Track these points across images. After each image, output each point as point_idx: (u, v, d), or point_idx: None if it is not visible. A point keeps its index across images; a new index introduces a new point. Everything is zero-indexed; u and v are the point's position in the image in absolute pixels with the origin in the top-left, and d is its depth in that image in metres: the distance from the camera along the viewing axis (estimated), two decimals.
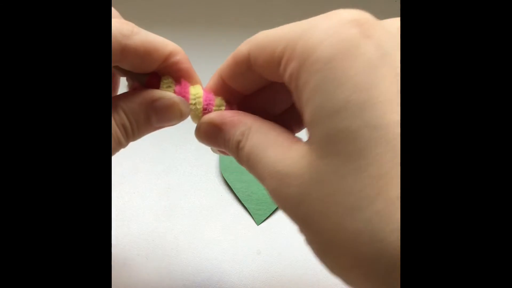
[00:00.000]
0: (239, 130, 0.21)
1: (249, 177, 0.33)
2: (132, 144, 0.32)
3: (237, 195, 0.33)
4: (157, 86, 0.24)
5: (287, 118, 0.24)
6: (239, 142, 0.21)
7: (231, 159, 0.35)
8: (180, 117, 0.24)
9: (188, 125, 0.24)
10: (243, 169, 0.35)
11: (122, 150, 0.24)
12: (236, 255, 0.30)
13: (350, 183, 0.16)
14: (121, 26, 0.22)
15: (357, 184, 0.16)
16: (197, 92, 0.24)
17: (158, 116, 0.23)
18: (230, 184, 0.34)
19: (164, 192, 0.34)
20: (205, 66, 0.40)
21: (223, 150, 0.23)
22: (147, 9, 0.52)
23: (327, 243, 0.17)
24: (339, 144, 0.16)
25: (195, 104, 0.24)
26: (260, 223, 0.32)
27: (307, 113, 0.17)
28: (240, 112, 0.22)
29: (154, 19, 0.51)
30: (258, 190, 0.33)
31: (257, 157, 0.20)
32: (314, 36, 0.17)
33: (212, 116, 0.23)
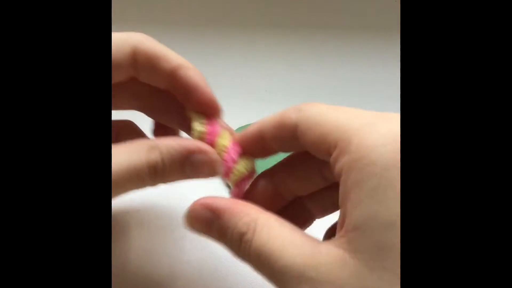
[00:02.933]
0: (242, 220, 0.20)
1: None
2: None
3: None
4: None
5: (310, 202, 0.24)
6: (243, 234, 0.20)
7: None
8: (213, 176, 0.23)
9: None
10: None
11: None
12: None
13: None
14: (137, 34, 0.24)
15: None
16: (224, 144, 0.24)
17: (193, 168, 0.23)
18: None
19: (164, 193, 0.34)
20: (205, 66, 0.40)
21: (215, 239, 0.21)
22: (147, 9, 0.52)
23: None
24: (391, 259, 0.15)
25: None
26: None
27: (355, 216, 0.16)
28: (240, 201, 0.21)
29: (154, 19, 0.51)
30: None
31: (272, 257, 0.18)
32: (373, 136, 0.17)
33: (209, 200, 0.21)
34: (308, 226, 0.25)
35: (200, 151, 0.23)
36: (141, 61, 0.24)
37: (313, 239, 0.18)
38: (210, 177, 0.24)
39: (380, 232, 0.16)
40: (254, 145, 0.24)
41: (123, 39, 0.24)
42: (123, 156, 0.21)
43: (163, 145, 0.22)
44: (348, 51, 0.51)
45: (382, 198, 0.16)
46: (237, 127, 0.38)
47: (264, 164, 0.26)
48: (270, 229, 0.19)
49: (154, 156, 0.22)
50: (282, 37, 0.49)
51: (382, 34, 0.52)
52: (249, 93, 0.42)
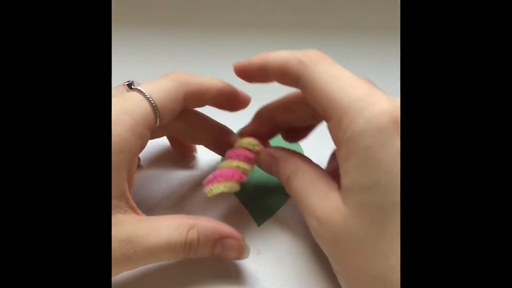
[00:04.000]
0: (289, 167, 0.27)
1: (250, 181, 0.33)
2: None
3: (239, 198, 0.33)
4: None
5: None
6: (288, 177, 0.27)
7: None
8: (238, 259, 0.29)
9: None
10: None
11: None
12: None
13: (372, 241, 0.21)
14: (179, 76, 0.28)
15: (377, 243, 0.21)
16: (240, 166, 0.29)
17: (223, 249, 0.27)
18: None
19: (166, 193, 0.34)
20: (205, 66, 0.40)
21: (273, 175, 0.29)
22: (147, 9, 0.52)
23: (350, 278, 0.23)
24: (367, 211, 0.21)
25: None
26: (261, 225, 0.32)
27: (345, 180, 0.23)
28: (292, 151, 0.29)
29: (154, 19, 0.51)
30: (259, 195, 0.33)
31: (301, 197, 0.26)
32: (358, 123, 0.22)
33: (271, 150, 0.30)
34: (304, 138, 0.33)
35: (232, 236, 0.27)
36: (189, 98, 0.28)
37: (330, 186, 0.25)
38: (237, 259, 0.29)
39: (359, 193, 0.22)
40: (257, 73, 0.28)
41: (174, 89, 0.27)
42: (166, 232, 0.25)
43: (201, 227, 0.26)
44: (348, 51, 0.50)
45: (363, 169, 0.21)
46: (237, 130, 0.38)
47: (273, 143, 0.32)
48: (305, 175, 0.26)
49: (192, 236, 0.26)
50: (282, 37, 0.49)
51: (382, 34, 0.52)
52: (249, 93, 0.42)
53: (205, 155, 0.37)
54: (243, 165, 0.29)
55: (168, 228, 0.25)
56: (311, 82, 0.24)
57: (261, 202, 0.33)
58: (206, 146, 0.34)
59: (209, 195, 0.28)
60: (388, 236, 0.20)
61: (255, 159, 0.30)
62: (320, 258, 0.30)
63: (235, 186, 0.29)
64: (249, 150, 0.30)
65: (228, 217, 0.32)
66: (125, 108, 0.25)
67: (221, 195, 0.33)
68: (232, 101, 0.31)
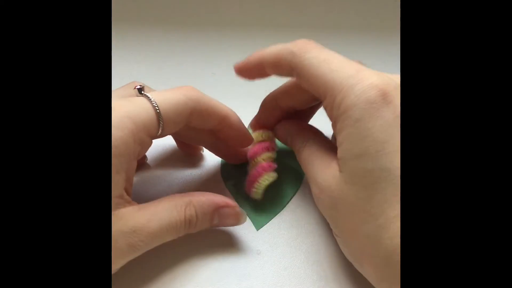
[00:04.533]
0: (302, 138, 0.30)
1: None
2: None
3: (238, 201, 0.33)
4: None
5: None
6: (299, 148, 0.30)
7: (232, 166, 0.35)
8: (236, 225, 0.30)
9: None
10: (243, 176, 0.35)
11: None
12: (236, 255, 0.30)
13: (363, 204, 0.23)
14: (191, 91, 0.28)
15: (368, 206, 0.23)
16: (259, 160, 0.32)
17: (220, 219, 0.29)
18: (230, 191, 0.34)
19: (172, 193, 0.34)
20: (205, 66, 0.40)
21: (287, 145, 0.33)
22: (147, 9, 0.52)
23: (347, 240, 0.26)
24: (359, 177, 0.23)
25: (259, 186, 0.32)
26: (260, 229, 0.32)
27: (340, 150, 0.25)
28: (306, 125, 0.33)
29: (154, 19, 0.51)
30: (258, 200, 0.33)
31: (308, 165, 0.29)
32: (350, 98, 0.23)
33: (286, 125, 0.33)
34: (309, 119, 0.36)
35: (227, 205, 0.29)
36: (195, 116, 0.28)
37: (332, 157, 0.27)
38: (234, 225, 0.30)
39: (351, 161, 0.24)
40: (255, 70, 0.30)
41: (183, 103, 0.27)
42: (165, 214, 0.26)
43: (196, 202, 0.27)
44: (348, 51, 0.50)
45: (354, 140, 0.23)
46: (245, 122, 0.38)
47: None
48: (313, 146, 0.29)
49: (190, 212, 0.27)
50: (282, 37, 0.49)
51: (382, 34, 0.52)
52: (249, 93, 0.42)
53: (212, 154, 0.37)
54: (267, 155, 0.32)
55: (166, 210, 0.26)
56: (303, 69, 0.26)
57: (259, 208, 0.33)
58: (207, 148, 0.35)
59: (259, 196, 0.32)
60: (377, 199, 0.22)
61: (273, 145, 0.33)
62: (320, 258, 0.30)
63: (272, 175, 0.32)
64: (264, 141, 0.33)
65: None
66: (129, 113, 0.25)
67: None
68: (235, 134, 0.31)
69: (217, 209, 0.28)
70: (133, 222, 0.25)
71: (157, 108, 0.26)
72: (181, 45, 0.48)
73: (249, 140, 0.33)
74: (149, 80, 0.29)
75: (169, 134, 0.29)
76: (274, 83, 0.43)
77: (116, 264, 0.25)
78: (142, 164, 0.36)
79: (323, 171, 0.26)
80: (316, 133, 0.31)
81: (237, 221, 0.29)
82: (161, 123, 0.26)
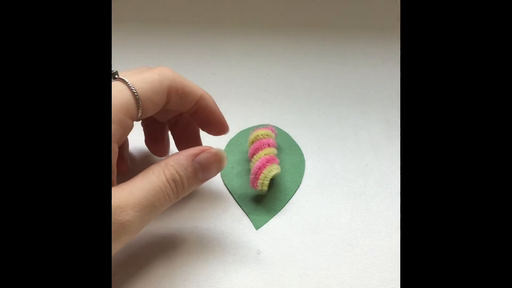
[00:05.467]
0: None
1: (249, 183, 0.33)
2: (137, 144, 0.32)
3: (237, 200, 0.33)
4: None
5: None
6: None
7: (232, 165, 0.35)
8: (220, 168, 0.29)
9: None
10: (243, 175, 0.35)
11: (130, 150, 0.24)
12: (236, 255, 0.30)
13: None
14: (166, 70, 0.28)
15: None
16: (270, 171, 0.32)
17: (203, 167, 0.27)
18: (230, 190, 0.34)
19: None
20: (205, 66, 0.40)
21: None
22: (147, 9, 0.52)
23: None
24: None
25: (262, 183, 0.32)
26: (259, 228, 0.32)
27: None
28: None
29: (154, 19, 0.51)
30: (257, 197, 0.33)
31: None
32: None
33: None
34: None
35: (203, 150, 0.27)
36: (173, 95, 0.28)
37: None
38: (219, 170, 0.28)
39: None
40: None
41: (158, 81, 0.27)
42: (145, 182, 0.25)
43: (172, 161, 0.26)
44: (348, 51, 0.50)
45: None
46: (238, 131, 0.38)
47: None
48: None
49: (170, 171, 0.26)
50: (282, 37, 0.49)
51: (382, 34, 0.52)
52: (249, 93, 0.42)
53: None
54: (269, 150, 0.33)
55: (145, 178, 0.26)
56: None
57: (259, 207, 0.33)
58: (175, 139, 0.35)
59: (264, 188, 0.32)
60: None
61: (274, 142, 0.34)
62: (320, 258, 0.30)
63: (276, 167, 0.32)
64: (264, 138, 0.34)
65: (227, 218, 0.32)
66: None
67: (220, 198, 0.34)
68: (211, 118, 0.31)
69: (194, 159, 0.27)
70: (115, 201, 0.24)
71: (133, 88, 0.26)
72: (181, 45, 0.48)
73: (225, 127, 0.32)
74: None
75: (150, 115, 0.28)
76: (274, 83, 0.43)
77: (113, 248, 0.24)
78: (125, 171, 0.35)
79: None
80: None
81: (219, 163, 0.28)
82: (140, 103, 0.26)
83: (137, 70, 0.28)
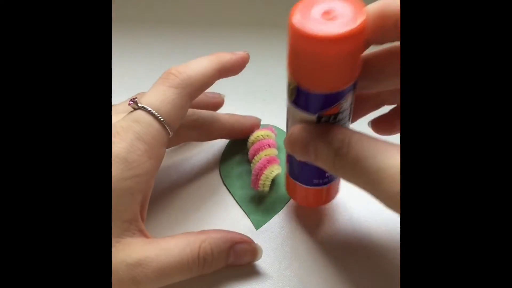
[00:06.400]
0: (336, 137, 0.22)
1: (249, 183, 0.33)
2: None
3: (237, 201, 0.33)
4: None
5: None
6: (338, 149, 0.22)
7: (232, 166, 0.35)
8: (252, 262, 0.29)
9: None
10: (243, 176, 0.35)
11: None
12: None
13: None
14: (173, 79, 0.28)
15: None
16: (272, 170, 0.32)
17: (236, 256, 0.27)
18: (230, 190, 0.34)
19: (167, 195, 0.34)
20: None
21: (307, 158, 0.24)
22: (147, 9, 0.52)
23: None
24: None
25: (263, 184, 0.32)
26: (259, 228, 0.32)
27: None
28: (333, 126, 0.24)
29: (154, 19, 0.51)
30: (257, 197, 0.33)
31: (368, 161, 0.21)
32: None
33: (304, 125, 0.24)
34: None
35: (243, 241, 0.28)
36: (194, 97, 0.29)
37: (394, 145, 0.21)
38: (251, 262, 0.29)
39: None
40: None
41: (181, 98, 0.27)
42: (177, 250, 0.25)
43: (212, 239, 0.26)
44: None
45: None
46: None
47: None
48: (364, 141, 0.22)
49: (205, 250, 0.25)
50: (282, 37, 0.49)
51: None
52: (249, 93, 0.42)
53: (208, 154, 0.37)
54: (269, 151, 0.33)
55: (179, 246, 0.25)
56: None
57: (259, 208, 0.33)
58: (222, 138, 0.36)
59: (265, 189, 0.32)
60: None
61: (274, 143, 0.34)
62: (320, 258, 0.30)
63: (277, 167, 0.32)
64: (264, 139, 0.33)
65: (227, 218, 0.32)
66: (139, 134, 0.25)
67: (221, 199, 0.34)
68: (233, 68, 0.30)
69: (232, 246, 0.27)
70: (140, 254, 0.23)
71: (160, 117, 0.26)
72: (181, 45, 0.48)
73: (246, 58, 0.31)
74: (149, 80, 0.29)
75: (180, 134, 0.29)
76: (274, 83, 0.43)
77: None
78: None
79: (396, 161, 0.20)
80: (353, 131, 0.23)
81: (254, 257, 0.28)
82: (168, 128, 0.26)
83: (154, 89, 0.27)
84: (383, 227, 0.32)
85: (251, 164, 0.33)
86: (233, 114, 0.35)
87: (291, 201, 0.33)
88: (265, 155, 0.32)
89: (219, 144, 0.37)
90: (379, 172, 0.20)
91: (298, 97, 0.23)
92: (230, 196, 0.34)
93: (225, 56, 0.30)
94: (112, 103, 0.31)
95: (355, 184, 0.23)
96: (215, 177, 0.35)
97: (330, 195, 0.30)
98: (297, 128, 0.24)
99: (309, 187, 0.28)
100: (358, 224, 0.32)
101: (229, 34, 0.49)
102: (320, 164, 0.24)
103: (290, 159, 0.28)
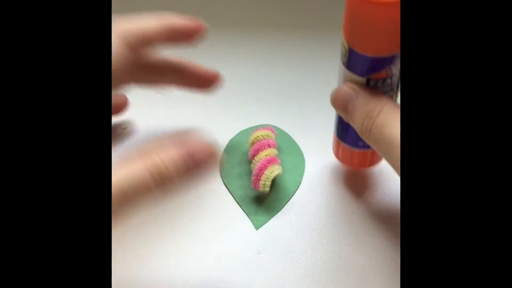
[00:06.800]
0: (373, 101, 0.24)
1: (249, 183, 0.33)
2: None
3: (237, 201, 0.33)
4: None
5: None
6: (370, 111, 0.24)
7: (232, 166, 0.35)
8: (214, 160, 0.25)
9: None
10: (243, 176, 0.35)
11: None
12: (236, 255, 0.30)
13: None
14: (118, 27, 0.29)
15: None
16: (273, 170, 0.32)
17: (193, 157, 0.24)
18: (230, 190, 0.34)
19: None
20: (205, 66, 0.39)
21: (345, 114, 0.26)
22: (147, 9, 0.52)
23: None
24: None
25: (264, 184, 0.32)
26: (259, 228, 0.32)
27: None
28: (376, 91, 0.25)
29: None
30: (257, 197, 0.33)
31: (390, 132, 0.22)
32: None
33: (352, 85, 0.26)
34: None
35: (198, 149, 0.24)
36: (136, 47, 0.29)
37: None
38: (212, 163, 0.25)
39: None
40: None
41: (121, 50, 0.28)
42: (124, 170, 0.22)
43: (159, 149, 0.23)
44: None
45: None
46: (238, 131, 0.38)
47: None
48: (395, 110, 0.23)
49: (154, 160, 0.22)
50: (282, 37, 0.49)
51: None
52: (249, 93, 0.42)
53: None
54: (269, 151, 0.33)
55: (126, 167, 0.22)
56: None
57: (259, 207, 0.33)
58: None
59: (266, 189, 0.32)
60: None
61: (274, 143, 0.34)
62: (320, 258, 0.30)
63: (278, 167, 0.32)
64: (264, 139, 0.33)
65: (227, 219, 0.32)
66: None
67: (221, 199, 0.34)
68: (185, 30, 0.31)
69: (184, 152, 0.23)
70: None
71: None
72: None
73: (200, 28, 0.32)
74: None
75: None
76: (274, 83, 0.43)
77: None
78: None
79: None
80: (389, 99, 0.25)
81: (213, 154, 0.25)
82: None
83: None
84: (384, 226, 0.32)
85: (251, 164, 0.33)
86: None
87: (291, 200, 0.33)
88: (265, 155, 0.32)
89: (219, 144, 0.37)
90: (393, 141, 0.21)
91: (350, 59, 0.25)
92: (230, 196, 0.34)
93: (173, 17, 0.30)
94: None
95: (377, 150, 0.24)
96: (215, 177, 0.35)
97: (374, 159, 0.31)
98: (344, 85, 0.26)
99: (354, 148, 0.29)
100: (358, 224, 0.32)
101: (229, 34, 0.49)
102: (353, 123, 0.25)
103: (338, 119, 0.29)
